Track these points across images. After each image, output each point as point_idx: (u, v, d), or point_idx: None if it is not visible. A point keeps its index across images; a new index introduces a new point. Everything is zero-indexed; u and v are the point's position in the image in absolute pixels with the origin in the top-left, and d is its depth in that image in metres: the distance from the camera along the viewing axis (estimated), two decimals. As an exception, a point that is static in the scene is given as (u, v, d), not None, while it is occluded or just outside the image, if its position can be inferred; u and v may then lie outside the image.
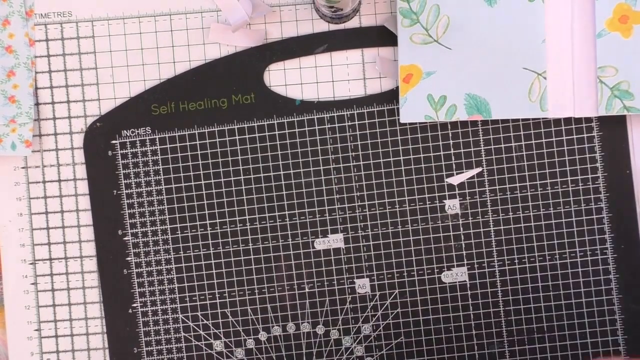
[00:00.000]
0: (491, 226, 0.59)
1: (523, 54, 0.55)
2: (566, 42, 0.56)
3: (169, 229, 0.59)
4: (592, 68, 0.56)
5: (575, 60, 0.56)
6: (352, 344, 0.59)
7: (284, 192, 0.59)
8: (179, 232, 0.59)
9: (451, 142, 0.59)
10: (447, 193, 0.59)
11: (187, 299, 0.60)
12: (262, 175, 0.59)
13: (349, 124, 0.59)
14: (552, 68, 0.56)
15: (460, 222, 0.59)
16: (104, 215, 0.60)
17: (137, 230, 0.59)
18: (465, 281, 0.59)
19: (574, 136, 0.58)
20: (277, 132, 0.59)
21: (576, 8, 0.56)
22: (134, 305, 0.60)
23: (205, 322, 0.60)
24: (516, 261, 0.59)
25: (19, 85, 0.59)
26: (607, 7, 0.56)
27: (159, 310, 0.60)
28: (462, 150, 0.59)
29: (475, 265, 0.59)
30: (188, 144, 0.59)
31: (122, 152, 0.59)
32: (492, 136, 0.59)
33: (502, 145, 0.59)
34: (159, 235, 0.59)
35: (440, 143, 0.59)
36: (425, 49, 0.56)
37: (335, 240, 0.59)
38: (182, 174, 0.59)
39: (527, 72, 0.56)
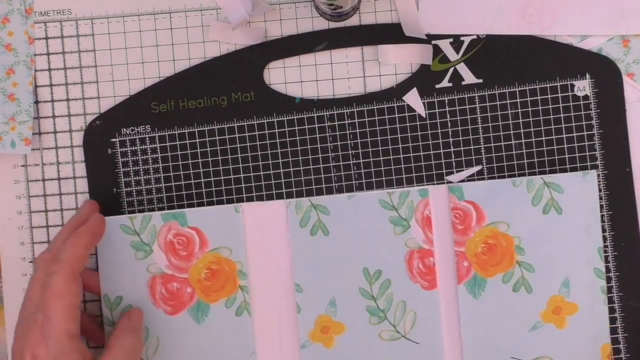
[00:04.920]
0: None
1: None
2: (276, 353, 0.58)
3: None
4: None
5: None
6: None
7: (284, 190, 0.59)
8: (179, 230, 0.59)
9: (451, 140, 0.59)
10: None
11: (187, 297, 0.60)
12: (262, 173, 0.59)
13: (349, 121, 0.59)
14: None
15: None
16: (103, 214, 0.59)
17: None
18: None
19: (574, 134, 0.59)
20: (277, 130, 0.59)
21: (283, 320, 0.58)
22: (134, 303, 0.60)
23: (205, 320, 0.60)
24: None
25: (18, 83, 0.59)
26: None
27: (159, 308, 0.60)
28: (462, 149, 0.59)
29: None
30: (188, 142, 0.59)
31: (121, 150, 0.59)
32: (492, 134, 0.59)
33: (502, 143, 0.59)
34: (159, 233, 0.59)
35: (440, 141, 0.59)
36: None
37: (335, 238, 0.59)
38: (181, 172, 0.59)
39: None
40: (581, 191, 0.57)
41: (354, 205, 0.58)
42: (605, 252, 0.58)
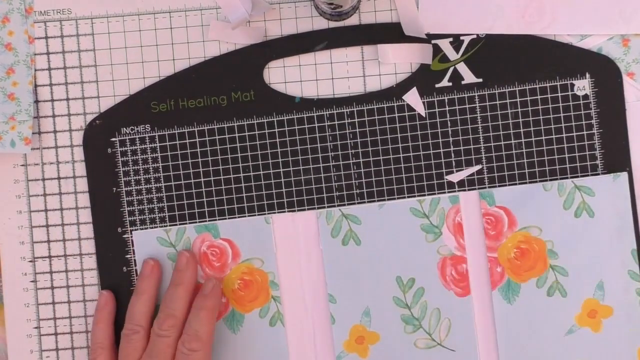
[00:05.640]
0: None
1: None
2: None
3: (168, 226, 0.59)
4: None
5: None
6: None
7: (284, 190, 0.59)
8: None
9: (451, 139, 0.59)
10: (446, 190, 0.59)
11: (187, 296, 0.60)
12: (261, 172, 0.59)
13: (349, 121, 0.59)
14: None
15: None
16: (103, 213, 0.60)
17: (136, 228, 0.59)
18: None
19: (574, 134, 0.59)
20: (276, 130, 0.59)
21: (318, 331, 0.58)
22: (134, 302, 0.60)
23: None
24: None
25: (18, 83, 0.59)
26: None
27: (159, 307, 0.60)
28: (462, 148, 0.59)
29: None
30: (187, 141, 0.59)
31: (121, 149, 0.59)
32: (491, 134, 0.59)
33: (502, 143, 0.59)
34: (159, 232, 0.59)
35: (440, 141, 0.59)
36: None
37: (334, 238, 0.59)
38: (181, 172, 0.59)
39: None
40: (612, 194, 0.57)
41: (384, 214, 0.58)
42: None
